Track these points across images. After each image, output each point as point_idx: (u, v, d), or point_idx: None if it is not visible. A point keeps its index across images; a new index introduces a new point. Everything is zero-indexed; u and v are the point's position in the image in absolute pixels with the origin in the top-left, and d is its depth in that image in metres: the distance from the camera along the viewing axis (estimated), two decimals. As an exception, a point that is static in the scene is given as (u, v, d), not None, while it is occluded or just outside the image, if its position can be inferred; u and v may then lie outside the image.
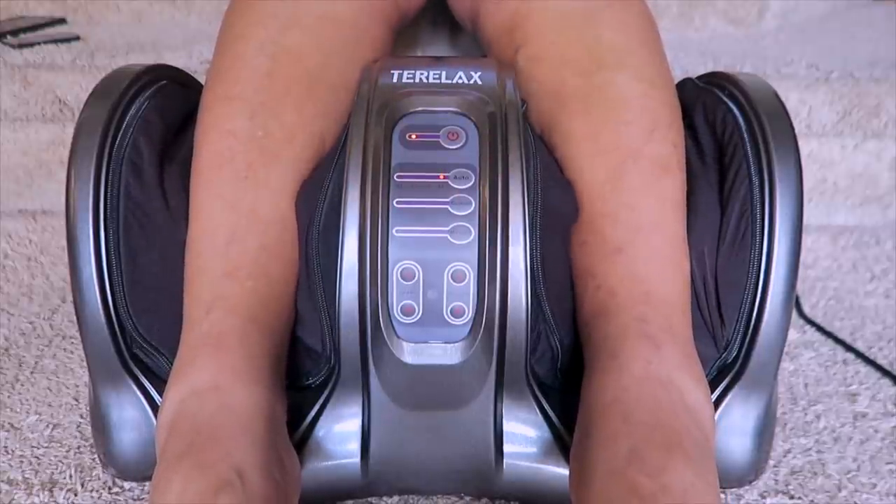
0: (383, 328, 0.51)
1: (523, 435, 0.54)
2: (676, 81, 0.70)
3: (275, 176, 0.55)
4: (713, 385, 0.56)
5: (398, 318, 0.51)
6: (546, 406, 0.55)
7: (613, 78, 0.57)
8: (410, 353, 0.51)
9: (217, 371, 0.48)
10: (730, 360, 0.56)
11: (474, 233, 0.52)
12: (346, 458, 0.54)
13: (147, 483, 0.57)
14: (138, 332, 0.55)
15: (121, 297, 0.55)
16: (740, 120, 0.59)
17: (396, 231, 0.52)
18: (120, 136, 0.56)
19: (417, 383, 0.52)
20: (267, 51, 0.58)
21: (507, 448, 0.54)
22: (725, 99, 0.60)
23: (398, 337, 0.51)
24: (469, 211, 0.52)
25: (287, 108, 0.56)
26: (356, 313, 0.51)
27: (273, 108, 0.56)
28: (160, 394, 0.55)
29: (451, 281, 0.51)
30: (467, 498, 0.58)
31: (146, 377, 0.55)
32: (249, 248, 0.53)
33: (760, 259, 0.55)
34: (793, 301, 0.55)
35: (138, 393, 0.55)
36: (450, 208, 0.52)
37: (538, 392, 0.55)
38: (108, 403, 0.55)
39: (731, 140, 0.59)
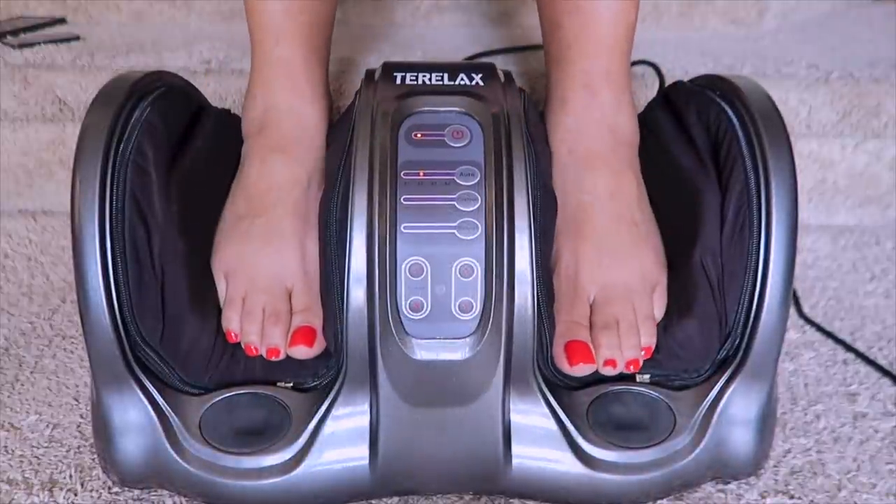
0: (392, 324, 0.51)
1: (531, 430, 0.55)
2: (676, 81, 0.71)
3: None
4: (715, 378, 0.57)
5: (406, 314, 0.52)
6: (552, 400, 0.55)
7: None
8: (419, 350, 0.52)
9: (290, 95, 0.66)
10: (731, 353, 0.57)
11: (481, 228, 0.52)
12: (354, 456, 0.54)
13: (148, 489, 0.58)
14: (141, 336, 0.55)
15: (126, 300, 0.54)
16: (733, 118, 0.60)
17: (404, 227, 0.52)
18: (125, 139, 0.56)
19: (426, 379, 0.52)
20: None
21: (515, 443, 0.54)
22: (717, 99, 0.62)
23: (407, 333, 0.52)
24: (475, 207, 0.53)
25: None
26: (364, 310, 0.52)
27: None
28: (164, 398, 0.55)
29: (459, 276, 0.52)
30: (467, 497, 0.58)
31: (150, 381, 0.55)
32: None
33: (759, 251, 0.56)
34: (791, 292, 0.56)
35: (142, 397, 0.54)
36: (456, 204, 0.53)
37: (544, 386, 0.55)
38: (111, 407, 0.55)
39: (724, 137, 0.60)
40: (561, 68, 0.67)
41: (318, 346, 0.57)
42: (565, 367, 0.56)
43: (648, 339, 0.57)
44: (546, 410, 0.55)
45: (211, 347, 0.57)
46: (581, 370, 0.56)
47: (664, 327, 0.58)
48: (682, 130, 0.66)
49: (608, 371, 0.56)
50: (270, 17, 0.67)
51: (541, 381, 0.55)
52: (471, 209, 0.53)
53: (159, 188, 0.57)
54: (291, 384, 0.57)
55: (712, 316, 0.57)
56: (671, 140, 0.66)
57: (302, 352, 0.57)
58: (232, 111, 0.74)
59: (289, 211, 0.61)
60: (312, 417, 0.54)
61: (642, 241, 0.61)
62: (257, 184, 0.63)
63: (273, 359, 0.57)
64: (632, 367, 0.56)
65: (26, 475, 0.60)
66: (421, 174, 0.54)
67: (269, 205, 0.61)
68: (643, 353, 0.57)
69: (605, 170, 0.63)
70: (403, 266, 0.52)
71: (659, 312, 0.59)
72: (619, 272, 0.59)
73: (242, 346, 0.57)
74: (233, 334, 0.57)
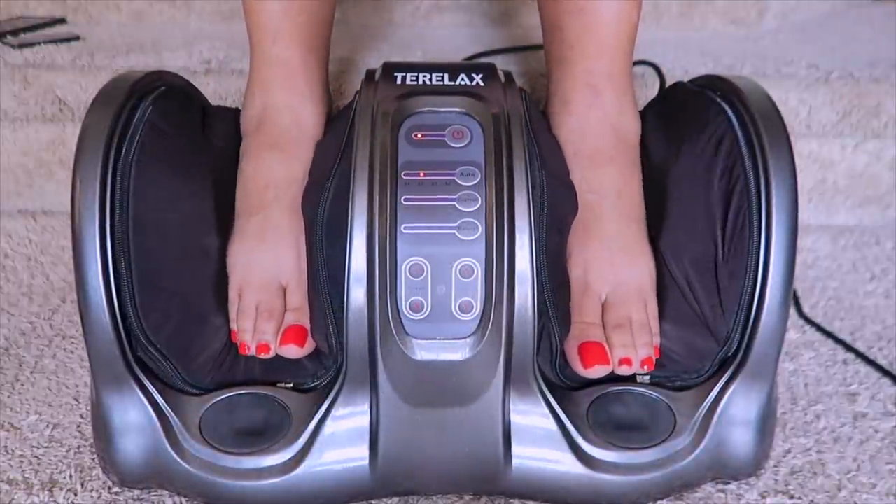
0: (392, 325, 0.51)
1: (531, 430, 0.55)
2: (676, 81, 0.71)
3: None
4: (715, 378, 0.57)
5: (407, 314, 0.52)
6: (552, 400, 0.55)
7: None
8: (419, 350, 0.52)
9: (288, 93, 0.66)
10: (731, 353, 0.57)
11: (481, 228, 0.52)
12: (354, 456, 0.54)
13: (148, 489, 0.57)
14: (144, 333, 0.55)
15: (128, 299, 0.54)
16: (733, 118, 0.60)
17: (404, 228, 0.52)
18: (126, 139, 0.56)
19: (426, 380, 0.52)
20: None
21: (515, 443, 0.54)
22: (717, 99, 0.62)
23: (407, 333, 0.52)
24: (476, 207, 0.53)
25: None
26: (365, 310, 0.52)
27: None
28: (164, 398, 0.55)
29: (460, 276, 0.52)
30: (467, 497, 0.58)
31: (150, 381, 0.55)
32: None
33: (759, 252, 0.56)
34: (791, 292, 0.56)
35: (142, 397, 0.54)
36: (457, 204, 0.53)
37: (544, 386, 0.55)
38: (111, 407, 0.55)
39: (724, 137, 0.60)
40: (563, 69, 0.67)
41: (309, 346, 0.57)
42: (580, 369, 0.56)
43: (657, 338, 0.57)
44: (546, 411, 0.55)
45: (219, 350, 0.57)
46: (596, 372, 0.56)
47: None
48: (678, 131, 0.66)
49: (624, 370, 0.56)
50: (268, 17, 0.67)
51: (541, 381, 0.55)
52: (471, 209, 0.53)
53: (165, 186, 0.58)
54: (291, 384, 0.57)
55: (687, 314, 0.57)
56: (666, 141, 0.66)
57: (292, 351, 0.57)
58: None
59: (285, 209, 0.61)
60: (312, 418, 0.54)
61: (647, 239, 0.61)
62: (254, 181, 0.63)
63: (262, 355, 0.57)
64: (645, 367, 0.56)
65: (26, 475, 0.60)
66: (421, 174, 0.54)
67: (265, 202, 0.61)
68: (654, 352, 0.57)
69: (612, 168, 0.63)
70: (404, 266, 0.52)
71: None
72: (630, 271, 0.59)
73: (238, 344, 0.57)
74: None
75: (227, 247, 0.60)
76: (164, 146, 0.58)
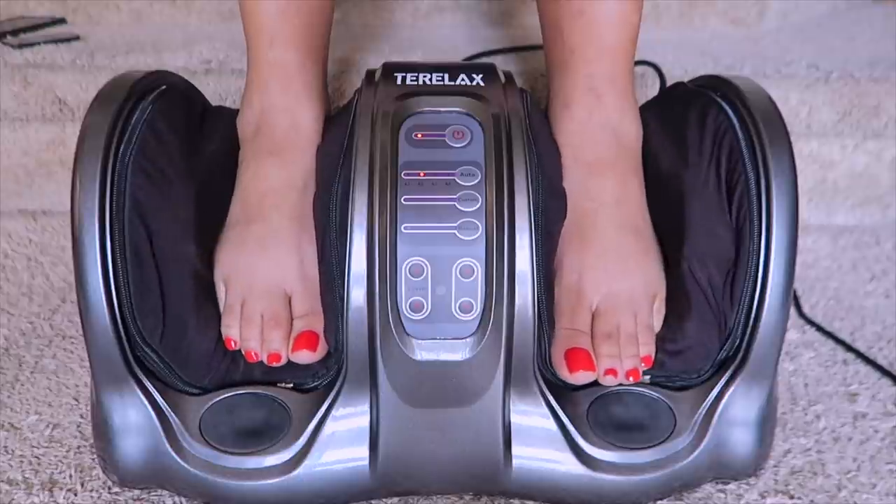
0: (392, 325, 0.51)
1: (532, 430, 0.55)
2: (676, 81, 0.71)
3: None
4: (715, 378, 0.57)
5: (407, 314, 0.52)
6: (552, 401, 0.55)
7: None
8: (419, 350, 0.52)
9: (285, 97, 0.65)
10: (731, 353, 0.57)
11: (482, 228, 0.52)
12: (354, 457, 0.54)
13: (148, 489, 0.57)
14: (140, 334, 0.55)
15: (126, 300, 0.54)
16: (733, 118, 0.60)
17: (405, 228, 0.52)
18: (125, 139, 0.56)
19: (426, 380, 0.52)
20: None
21: (515, 443, 0.54)
22: (718, 99, 0.62)
23: (407, 334, 0.52)
24: (476, 207, 0.53)
25: None
26: (365, 310, 0.52)
27: None
28: (164, 398, 0.55)
29: (460, 277, 0.52)
30: (467, 497, 0.58)
31: (150, 381, 0.55)
32: None
33: (759, 252, 0.56)
34: (791, 292, 0.56)
35: (142, 397, 0.54)
36: (457, 205, 0.53)
37: (544, 387, 0.55)
38: (111, 408, 0.55)
39: (724, 137, 0.60)
40: (564, 73, 0.66)
41: (321, 351, 0.57)
42: (565, 374, 0.56)
43: (648, 349, 0.57)
44: (546, 411, 0.55)
45: (211, 351, 0.57)
46: (581, 378, 0.56)
47: (664, 331, 0.58)
48: (679, 131, 0.66)
49: (609, 381, 0.56)
50: (264, 19, 0.66)
51: (541, 381, 0.55)
52: (471, 209, 0.53)
53: (164, 189, 0.57)
54: (292, 384, 0.57)
55: (710, 320, 0.57)
56: (666, 142, 0.66)
57: (305, 356, 0.56)
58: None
59: (285, 215, 0.61)
60: (312, 418, 0.54)
61: (646, 249, 0.61)
62: (252, 189, 0.62)
63: (274, 364, 0.56)
64: (631, 378, 0.56)
65: (26, 475, 0.60)
66: (422, 174, 0.54)
67: (265, 209, 0.61)
68: (642, 363, 0.57)
69: (611, 175, 0.62)
70: (404, 266, 0.52)
71: (657, 323, 0.59)
72: (623, 281, 0.59)
73: (243, 352, 0.57)
74: (232, 342, 0.57)
75: (209, 250, 0.60)
76: (161, 147, 0.58)
